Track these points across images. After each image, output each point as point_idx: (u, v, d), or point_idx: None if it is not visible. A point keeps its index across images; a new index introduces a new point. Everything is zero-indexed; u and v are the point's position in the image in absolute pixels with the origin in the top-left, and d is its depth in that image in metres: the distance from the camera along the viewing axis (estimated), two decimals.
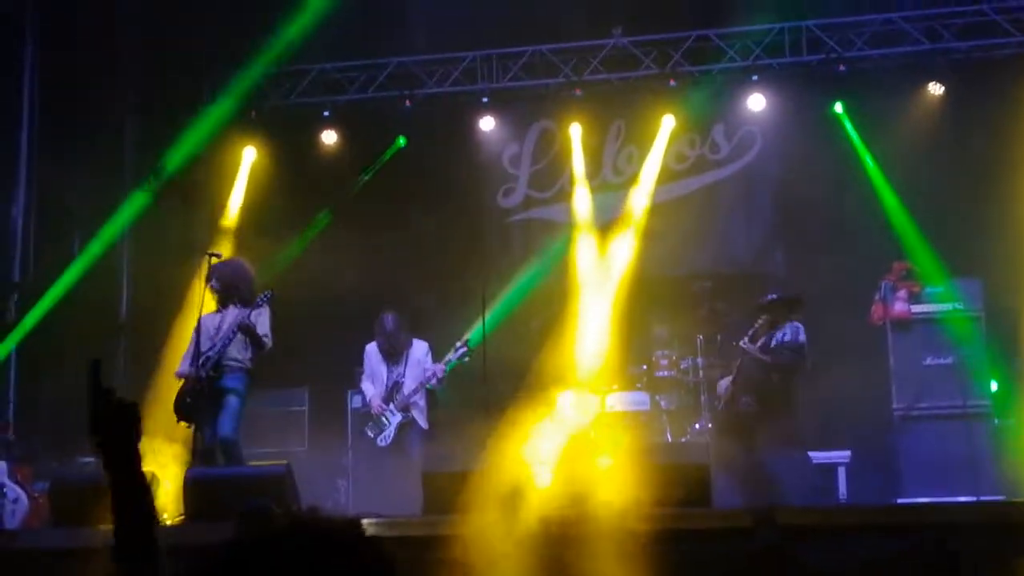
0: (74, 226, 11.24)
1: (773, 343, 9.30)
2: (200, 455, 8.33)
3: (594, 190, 12.30)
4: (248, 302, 8.77)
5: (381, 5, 11.73)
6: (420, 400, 9.84)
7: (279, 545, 1.54)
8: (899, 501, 8.98)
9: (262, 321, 8.74)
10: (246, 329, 8.59)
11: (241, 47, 12.02)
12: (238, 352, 8.69)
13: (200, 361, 8.54)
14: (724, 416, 9.66)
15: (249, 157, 12.42)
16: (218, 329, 8.72)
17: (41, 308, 10.54)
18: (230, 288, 8.85)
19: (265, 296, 8.78)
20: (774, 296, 9.66)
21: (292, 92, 12.41)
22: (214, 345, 8.60)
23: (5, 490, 8.17)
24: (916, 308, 10.20)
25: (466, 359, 9.87)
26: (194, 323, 8.74)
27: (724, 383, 9.67)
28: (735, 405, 9.46)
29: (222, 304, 8.87)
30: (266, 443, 10.40)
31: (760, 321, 9.66)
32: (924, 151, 11.00)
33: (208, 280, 8.83)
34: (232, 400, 8.57)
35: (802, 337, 9.38)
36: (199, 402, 8.49)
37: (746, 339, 9.48)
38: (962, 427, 9.27)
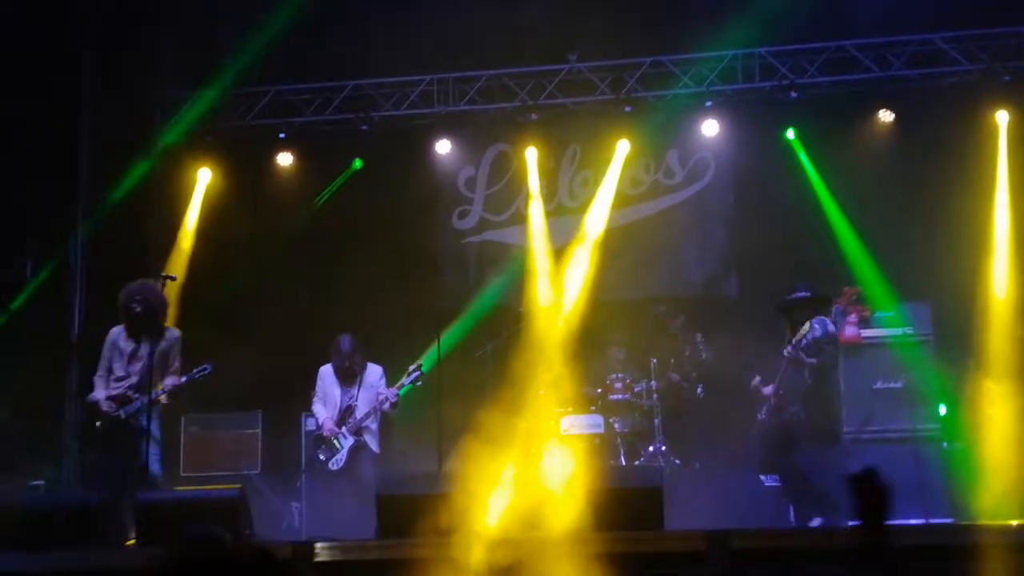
0: (26, 248, 11.10)
1: (804, 343, 8.98)
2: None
3: (549, 214, 12.33)
4: (160, 334, 8.52)
5: (338, 28, 11.70)
6: (372, 424, 9.79)
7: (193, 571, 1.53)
8: (849, 524, 9.00)
9: (175, 355, 8.60)
10: (175, 395, 8.54)
11: (196, 68, 11.99)
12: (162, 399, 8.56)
13: (116, 395, 8.46)
14: (771, 425, 9.27)
15: (204, 178, 12.34)
16: (137, 360, 8.54)
17: None
18: (150, 315, 8.50)
19: (203, 369, 8.59)
20: (804, 294, 9.29)
21: (248, 114, 12.34)
22: (133, 386, 8.46)
23: None
24: (866, 332, 10.31)
25: (419, 383, 9.85)
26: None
27: (768, 389, 9.30)
28: (781, 415, 9.20)
29: (134, 330, 8.59)
30: (218, 467, 10.33)
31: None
32: (874, 177, 11.11)
33: (129, 303, 8.52)
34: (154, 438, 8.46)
35: (831, 328, 9.19)
36: (114, 433, 8.44)
37: (789, 347, 9.09)
38: (911, 451, 9.33)
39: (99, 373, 8.67)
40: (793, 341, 8.95)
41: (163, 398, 8.56)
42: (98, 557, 6.96)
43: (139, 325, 8.54)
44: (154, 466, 8.41)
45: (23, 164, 10.69)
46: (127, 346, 8.60)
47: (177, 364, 8.60)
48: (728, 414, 10.45)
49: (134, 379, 8.51)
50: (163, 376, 8.47)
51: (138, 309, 8.50)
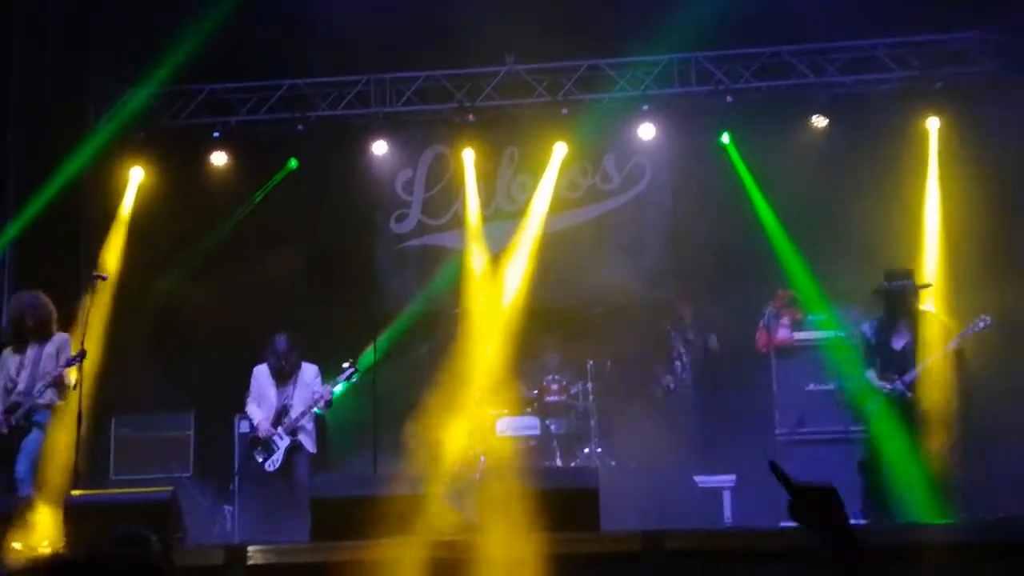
0: None
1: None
2: None
3: (487, 218, 12.32)
4: (46, 338, 8.71)
5: (274, 26, 11.59)
6: (308, 424, 9.73)
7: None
8: (782, 525, 9.07)
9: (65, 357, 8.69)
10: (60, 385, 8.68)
11: (130, 66, 11.83)
12: (46, 399, 8.67)
13: (5, 406, 8.58)
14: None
15: (137, 177, 12.16)
16: (23, 368, 8.66)
17: None
18: (43, 326, 8.76)
19: (80, 354, 8.57)
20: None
21: (182, 112, 12.20)
22: (24, 393, 8.58)
23: None
24: (799, 335, 10.40)
25: (355, 379, 9.79)
26: (78, 344, 8.59)
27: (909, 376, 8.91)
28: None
29: (22, 341, 8.75)
30: (149, 469, 10.19)
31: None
32: (808, 181, 11.19)
33: (23, 317, 8.73)
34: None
35: None
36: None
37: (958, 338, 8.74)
38: (843, 451, 9.42)
39: None
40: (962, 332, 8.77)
41: (52, 393, 8.67)
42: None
43: (30, 336, 8.74)
44: (19, 468, 8.46)
45: None
46: (14, 361, 8.71)
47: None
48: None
49: (21, 386, 8.63)
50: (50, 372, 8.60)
51: (30, 323, 8.74)
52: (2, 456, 8.53)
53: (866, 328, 9.09)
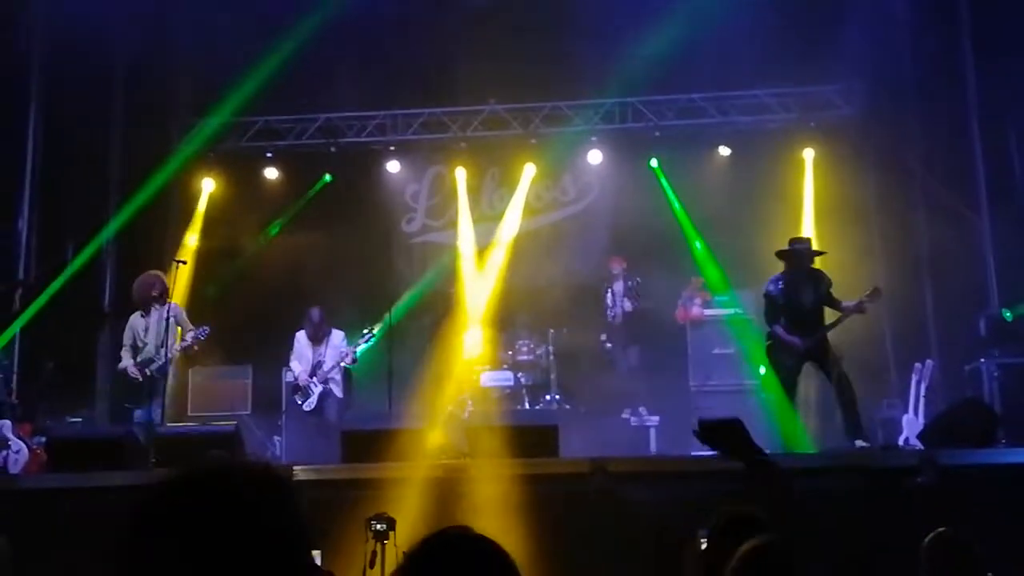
0: (68, 237, 10.82)
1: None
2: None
3: (475, 220, 12.29)
4: (163, 305, 8.57)
5: (314, 73, 11.54)
6: (337, 375, 9.72)
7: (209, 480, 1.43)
8: (693, 454, 9.15)
9: (183, 321, 8.67)
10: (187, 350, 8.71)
11: (205, 101, 11.77)
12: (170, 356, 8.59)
13: (142, 359, 8.46)
14: None
15: (208, 187, 12.10)
16: (151, 329, 8.54)
17: (40, 301, 10.13)
18: (163, 296, 8.63)
19: (203, 330, 8.55)
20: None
21: (242, 137, 12.14)
22: (154, 351, 8.47)
23: (9, 443, 7.81)
24: (708, 312, 10.46)
25: (372, 342, 9.80)
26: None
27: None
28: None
29: (145, 306, 8.62)
30: (219, 408, 10.15)
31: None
32: (715, 196, 11.23)
33: (149, 287, 8.59)
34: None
35: None
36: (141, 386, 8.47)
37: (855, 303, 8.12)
38: (740, 398, 9.51)
39: (125, 348, 8.68)
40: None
41: (177, 353, 8.62)
42: (124, 477, 6.81)
43: (153, 303, 8.58)
44: (155, 412, 8.36)
45: (69, 172, 10.43)
46: (141, 323, 8.58)
47: (186, 328, 8.58)
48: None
49: (150, 344, 8.49)
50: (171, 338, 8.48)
51: (155, 293, 8.57)
52: (138, 397, 8.47)
53: (771, 287, 8.36)
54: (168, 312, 8.48)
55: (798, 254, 8.48)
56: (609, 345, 10.76)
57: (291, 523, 1.40)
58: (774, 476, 2.52)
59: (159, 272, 8.93)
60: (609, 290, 10.77)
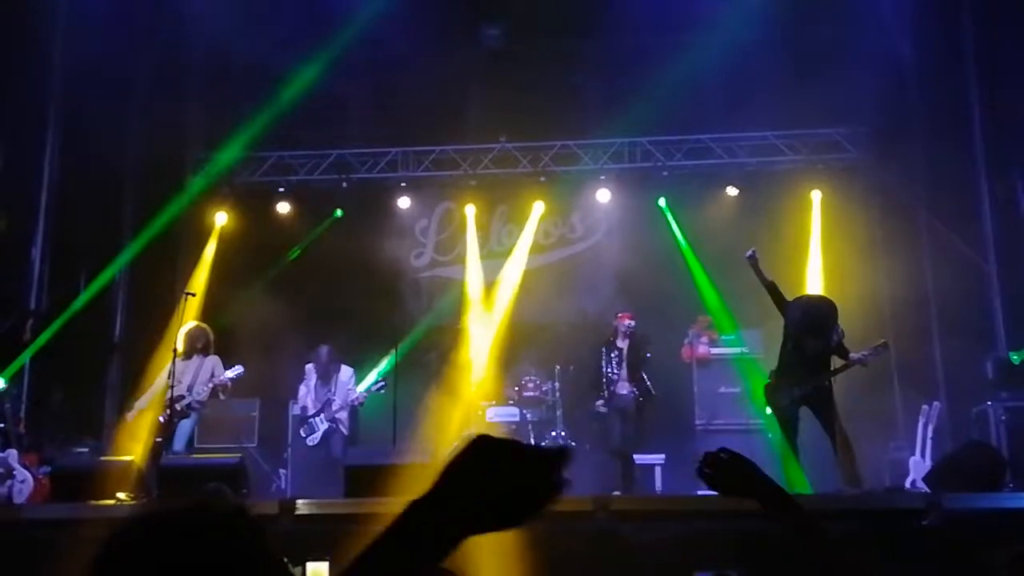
0: (81, 266, 10.87)
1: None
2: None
3: (483, 256, 12.32)
4: (206, 355, 8.97)
5: (325, 109, 11.65)
6: (343, 415, 9.73)
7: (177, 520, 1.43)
8: (699, 493, 9.07)
9: (220, 370, 8.96)
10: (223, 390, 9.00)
11: (218, 136, 11.87)
12: (202, 396, 8.87)
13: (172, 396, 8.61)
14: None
15: (220, 220, 12.16)
16: (189, 373, 8.82)
17: (51, 330, 10.16)
18: (207, 347, 9.01)
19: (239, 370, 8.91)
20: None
21: (256, 172, 12.22)
22: (187, 391, 8.73)
23: (15, 472, 7.80)
24: (714, 350, 10.42)
25: (382, 391, 9.74)
26: (171, 348, 8.65)
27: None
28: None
29: (188, 353, 8.88)
30: (223, 440, 10.12)
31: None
32: (723, 236, 11.19)
33: (196, 338, 8.93)
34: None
35: None
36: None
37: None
38: (746, 438, 9.45)
39: (152, 390, 8.93)
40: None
41: (207, 393, 8.87)
42: (126, 508, 6.79)
43: (197, 352, 8.93)
44: (176, 447, 8.59)
45: (83, 203, 10.51)
46: (181, 366, 8.77)
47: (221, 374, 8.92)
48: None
49: (185, 386, 8.74)
50: (207, 380, 8.85)
51: (200, 345, 8.94)
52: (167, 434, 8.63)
53: (796, 313, 8.00)
54: (209, 362, 8.90)
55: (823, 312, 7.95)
56: (599, 406, 9.77)
57: (254, 567, 1.40)
58: (804, 516, 2.37)
59: (206, 326, 9.21)
60: (612, 352, 9.77)
